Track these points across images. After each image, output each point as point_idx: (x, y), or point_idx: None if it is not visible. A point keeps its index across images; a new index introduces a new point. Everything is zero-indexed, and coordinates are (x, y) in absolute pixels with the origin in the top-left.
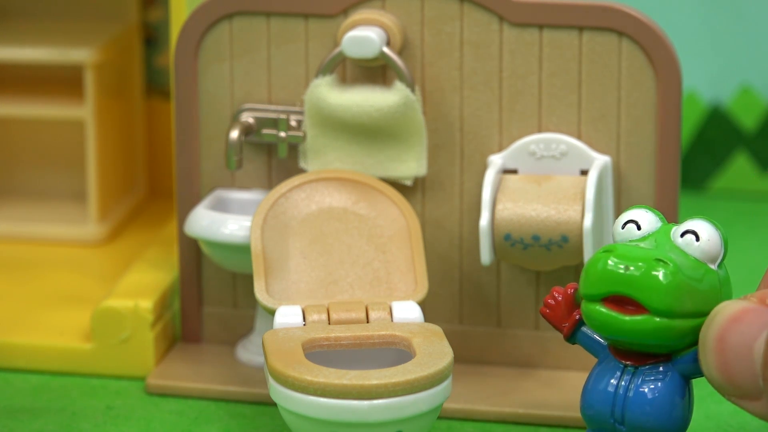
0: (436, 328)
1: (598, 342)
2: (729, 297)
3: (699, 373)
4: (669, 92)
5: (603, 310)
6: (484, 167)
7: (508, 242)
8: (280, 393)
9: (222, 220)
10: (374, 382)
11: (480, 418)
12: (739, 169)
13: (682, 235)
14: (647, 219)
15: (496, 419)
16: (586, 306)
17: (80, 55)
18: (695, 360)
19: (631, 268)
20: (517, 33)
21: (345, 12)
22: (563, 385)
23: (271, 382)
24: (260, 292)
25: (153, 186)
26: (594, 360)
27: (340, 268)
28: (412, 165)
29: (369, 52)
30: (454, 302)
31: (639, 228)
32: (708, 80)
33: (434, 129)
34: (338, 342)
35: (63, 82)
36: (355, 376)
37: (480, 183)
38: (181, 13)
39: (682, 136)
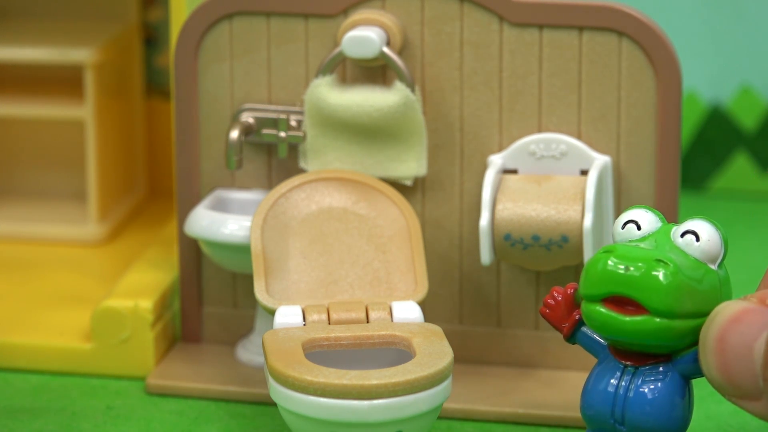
0: (436, 328)
1: (598, 342)
2: (729, 297)
3: (699, 374)
4: (669, 92)
5: (603, 310)
6: (484, 167)
7: (508, 242)
8: (280, 393)
9: (222, 220)
10: (374, 382)
11: (480, 418)
12: (739, 169)
13: (682, 235)
14: (647, 219)
15: (496, 419)
16: (586, 306)
17: (80, 55)
18: (695, 360)
19: (631, 268)
20: (517, 33)
21: (345, 12)
22: (563, 385)
23: (271, 382)
24: (260, 292)
25: (153, 186)
26: (594, 360)
27: (340, 268)
28: (412, 165)
29: (369, 52)
30: (454, 302)
31: (639, 228)
32: (708, 80)
33: (434, 129)
34: (338, 342)
35: (63, 82)
36: (355, 376)
37: (480, 183)
38: (181, 13)
39: (682, 136)
